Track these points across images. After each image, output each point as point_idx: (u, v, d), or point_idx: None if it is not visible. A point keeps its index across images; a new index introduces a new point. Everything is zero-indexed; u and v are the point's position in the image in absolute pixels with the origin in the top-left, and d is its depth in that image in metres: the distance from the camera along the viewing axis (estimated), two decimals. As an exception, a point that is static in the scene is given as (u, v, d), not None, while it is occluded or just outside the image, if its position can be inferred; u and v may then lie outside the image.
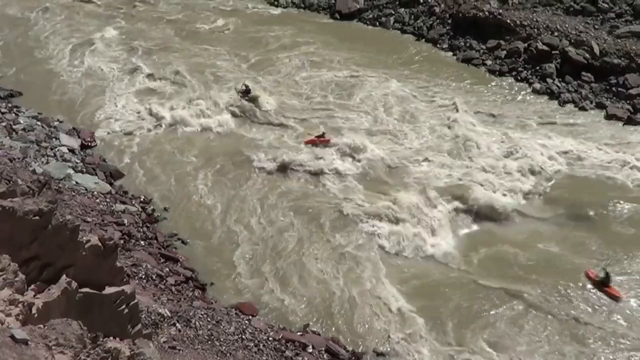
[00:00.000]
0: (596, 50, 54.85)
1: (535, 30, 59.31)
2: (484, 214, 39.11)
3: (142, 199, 39.45)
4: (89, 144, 44.92)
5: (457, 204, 39.79)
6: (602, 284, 33.48)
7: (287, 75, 57.85)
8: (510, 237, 37.44)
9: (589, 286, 33.42)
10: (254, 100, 52.95)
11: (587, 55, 54.98)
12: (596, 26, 58.37)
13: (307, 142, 47.32)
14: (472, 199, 39.78)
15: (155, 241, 34.82)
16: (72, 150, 42.68)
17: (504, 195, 40.50)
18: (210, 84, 55.48)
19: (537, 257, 35.78)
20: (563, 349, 29.88)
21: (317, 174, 42.75)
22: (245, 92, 53.52)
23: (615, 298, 32.95)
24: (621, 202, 39.78)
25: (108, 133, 46.93)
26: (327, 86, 55.23)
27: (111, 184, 40.21)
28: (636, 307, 32.52)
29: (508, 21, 60.94)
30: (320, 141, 47.08)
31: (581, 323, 31.20)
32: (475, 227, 38.54)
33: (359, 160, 44.03)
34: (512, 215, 39.10)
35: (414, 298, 32.45)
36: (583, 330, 30.82)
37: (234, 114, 50.34)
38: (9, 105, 48.31)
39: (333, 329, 30.52)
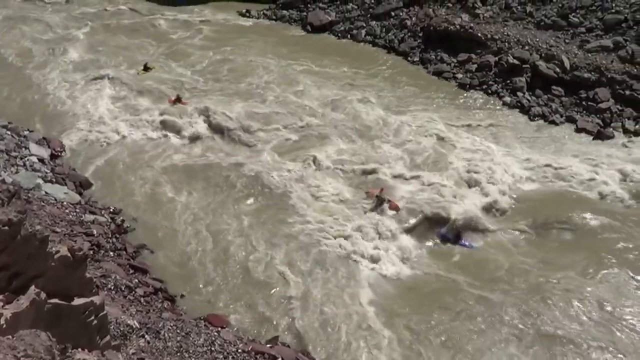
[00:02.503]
0: (566, 64, 55.21)
1: (506, 44, 59.67)
2: (449, 226, 39.23)
3: (111, 209, 39.18)
4: (59, 153, 44.70)
5: (422, 215, 39.72)
6: (381, 201, 39.87)
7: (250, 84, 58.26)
8: (475, 250, 37.73)
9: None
10: (148, 69, 60.36)
11: (558, 69, 55.34)
12: (567, 40, 58.78)
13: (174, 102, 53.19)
14: (437, 211, 39.86)
15: (125, 252, 34.59)
16: (41, 160, 42.35)
17: (470, 208, 40.50)
18: (179, 93, 55.32)
19: (500, 269, 35.87)
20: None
21: (288, 184, 42.73)
22: (145, 69, 60.35)
23: (394, 210, 39.56)
24: (588, 215, 39.77)
25: (78, 142, 46.66)
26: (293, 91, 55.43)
27: (81, 194, 39.94)
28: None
29: (479, 35, 61.29)
30: (176, 102, 53.19)
31: (544, 334, 31.33)
32: (440, 239, 38.61)
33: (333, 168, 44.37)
34: (478, 227, 39.21)
35: (382, 310, 32.44)
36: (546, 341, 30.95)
37: (206, 125, 49.97)
38: (-22, 114, 48.03)
39: (303, 341, 30.42)
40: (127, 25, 74.07)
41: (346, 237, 37.80)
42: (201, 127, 49.76)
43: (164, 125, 49.73)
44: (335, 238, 37.72)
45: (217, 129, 49.65)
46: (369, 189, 42.49)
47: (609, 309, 32.70)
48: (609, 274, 35.27)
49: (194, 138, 48.66)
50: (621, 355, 30.01)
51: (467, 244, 37.98)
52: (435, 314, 32.45)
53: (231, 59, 63.58)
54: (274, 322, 31.32)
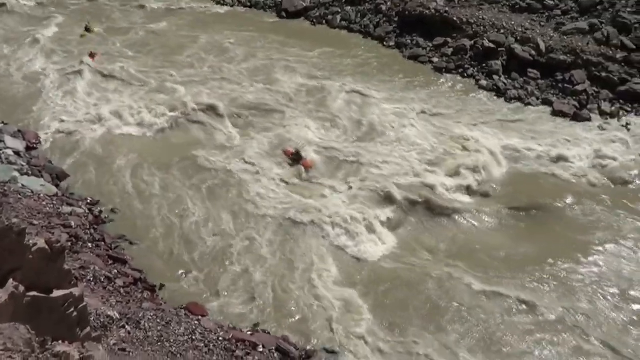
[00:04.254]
0: (542, 47, 55.31)
1: (482, 27, 59.69)
2: (426, 210, 39.35)
3: (89, 201, 38.94)
4: (35, 145, 44.37)
5: (398, 199, 39.71)
6: (296, 159, 42.68)
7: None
8: (452, 233, 37.93)
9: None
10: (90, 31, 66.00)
11: (533, 52, 55.43)
12: (542, 23, 58.90)
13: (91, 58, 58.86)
14: (415, 195, 39.95)
15: (103, 243, 34.41)
16: (17, 153, 42.02)
17: (448, 191, 40.72)
18: (151, 85, 54.95)
19: (478, 251, 36.17)
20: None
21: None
22: (87, 30, 66.08)
23: (307, 169, 42.26)
24: (564, 197, 40.24)
25: (53, 134, 46.34)
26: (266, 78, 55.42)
27: (57, 186, 39.62)
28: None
29: (454, 19, 61.27)
30: (92, 57, 58.84)
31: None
32: (418, 223, 38.64)
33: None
34: (456, 211, 39.34)
35: (363, 294, 32.61)
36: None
37: (179, 116, 49.54)
38: (-48, 108, 47.72)
39: (283, 327, 30.45)
40: (95, 12, 73.36)
41: (327, 218, 38.20)
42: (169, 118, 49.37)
43: (136, 114, 49.38)
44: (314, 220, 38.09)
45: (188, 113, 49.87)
46: (285, 148, 44.17)
47: (575, 288, 33.54)
48: (581, 255, 35.80)
49: (166, 126, 48.49)
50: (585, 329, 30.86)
51: None
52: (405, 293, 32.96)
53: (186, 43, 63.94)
54: (255, 310, 31.35)
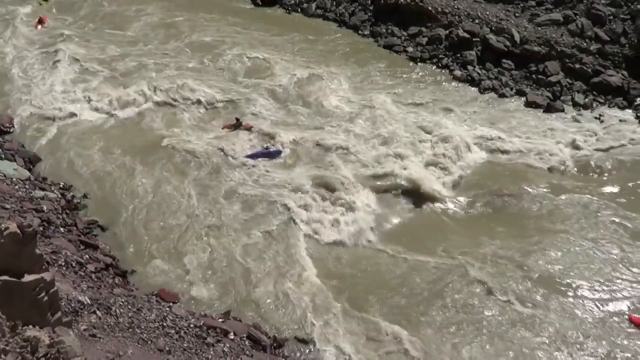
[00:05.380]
0: (517, 37, 55.47)
1: (457, 17, 59.69)
2: (401, 198, 39.64)
3: (61, 185, 38.91)
4: (7, 129, 44.19)
5: (373, 188, 39.99)
6: (237, 127, 45.24)
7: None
8: (427, 221, 38.13)
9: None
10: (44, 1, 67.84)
11: (508, 43, 55.57)
12: (517, 14, 58.98)
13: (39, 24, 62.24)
14: (389, 184, 40.30)
15: (75, 228, 34.38)
16: (-11, 137, 41.99)
17: (422, 180, 40.64)
18: (128, 71, 54.49)
19: (451, 240, 36.35)
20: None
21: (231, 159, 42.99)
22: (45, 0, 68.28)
23: (250, 129, 45.14)
24: (537, 187, 40.47)
25: (27, 118, 46.10)
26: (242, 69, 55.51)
27: (30, 170, 39.59)
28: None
29: (429, 8, 61.15)
30: (39, 23, 62.23)
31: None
32: (393, 210, 38.83)
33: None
34: (431, 199, 39.47)
35: (334, 281, 32.84)
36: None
37: (156, 103, 49.51)
38: None
39: (255, 315, 30.55)
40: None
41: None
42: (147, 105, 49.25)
43: (113, 100, 49.10)
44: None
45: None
46: (224, 124, 46.11)
47: (541, 276, 33.97)
48: (551, 243, 36.25)
49: (138, 112, 48.42)
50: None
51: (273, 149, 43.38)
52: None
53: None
54: (227, 297, 31.42)
